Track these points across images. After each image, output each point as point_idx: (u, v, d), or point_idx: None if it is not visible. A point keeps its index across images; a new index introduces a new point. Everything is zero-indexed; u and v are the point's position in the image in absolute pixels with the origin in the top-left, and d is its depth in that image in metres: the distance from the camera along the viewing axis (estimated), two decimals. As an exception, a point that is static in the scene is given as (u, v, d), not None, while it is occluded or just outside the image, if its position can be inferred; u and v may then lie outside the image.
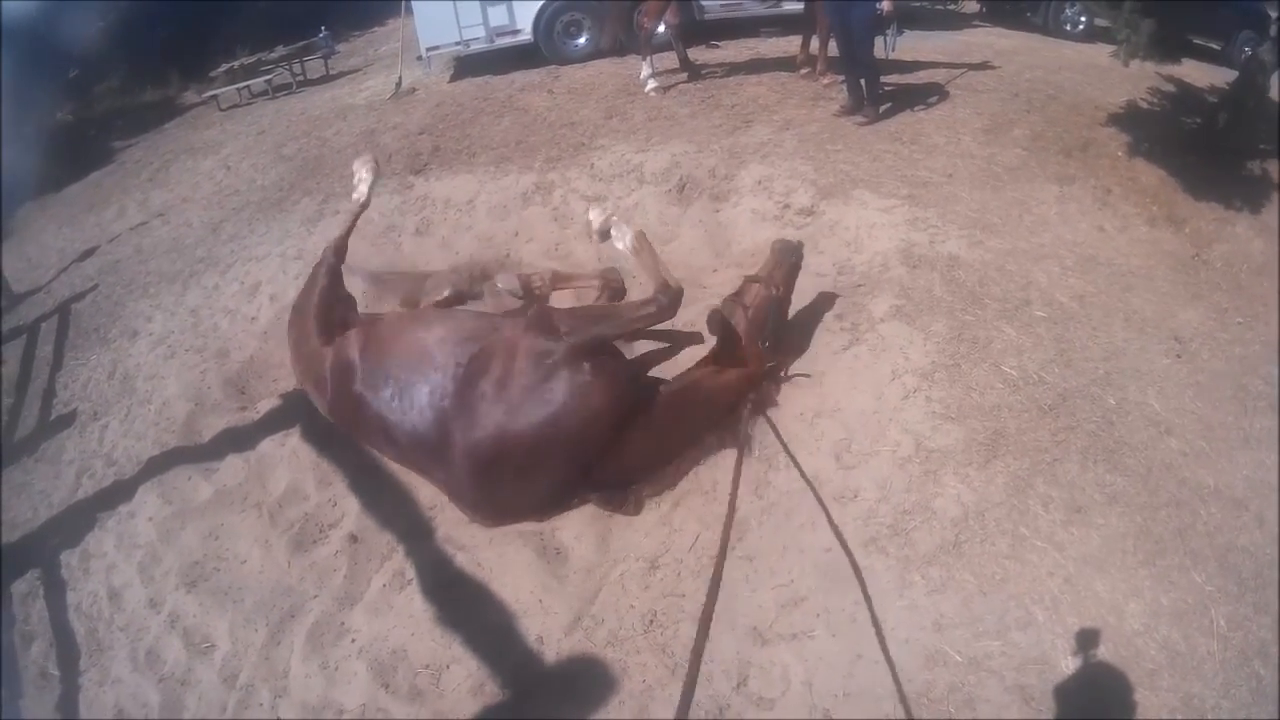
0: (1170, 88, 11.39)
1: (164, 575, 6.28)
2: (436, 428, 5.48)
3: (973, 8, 17.75)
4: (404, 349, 5.74)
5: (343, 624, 5.59)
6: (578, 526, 5.82)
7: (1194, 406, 6.16)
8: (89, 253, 12.01)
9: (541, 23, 14.34)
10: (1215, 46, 13.80)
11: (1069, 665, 4.71)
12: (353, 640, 5.48)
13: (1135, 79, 11.02)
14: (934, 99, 10.86)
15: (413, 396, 5.57)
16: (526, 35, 14.37)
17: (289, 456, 6.85)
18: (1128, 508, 5.40)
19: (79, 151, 17.69)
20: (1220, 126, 9.77)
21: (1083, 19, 15.06)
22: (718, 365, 6.07)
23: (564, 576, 5.58)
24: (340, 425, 6.14)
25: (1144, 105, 10.83)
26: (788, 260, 6.29)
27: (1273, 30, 9.87)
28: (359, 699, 5.19)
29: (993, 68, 12.04)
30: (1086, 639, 4.79)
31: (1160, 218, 8.41)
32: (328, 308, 6.26)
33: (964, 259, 7.29)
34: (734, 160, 9.38)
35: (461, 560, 5.75)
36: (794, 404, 6.26)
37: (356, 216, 6.84)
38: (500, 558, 5.70)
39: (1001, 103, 10.65)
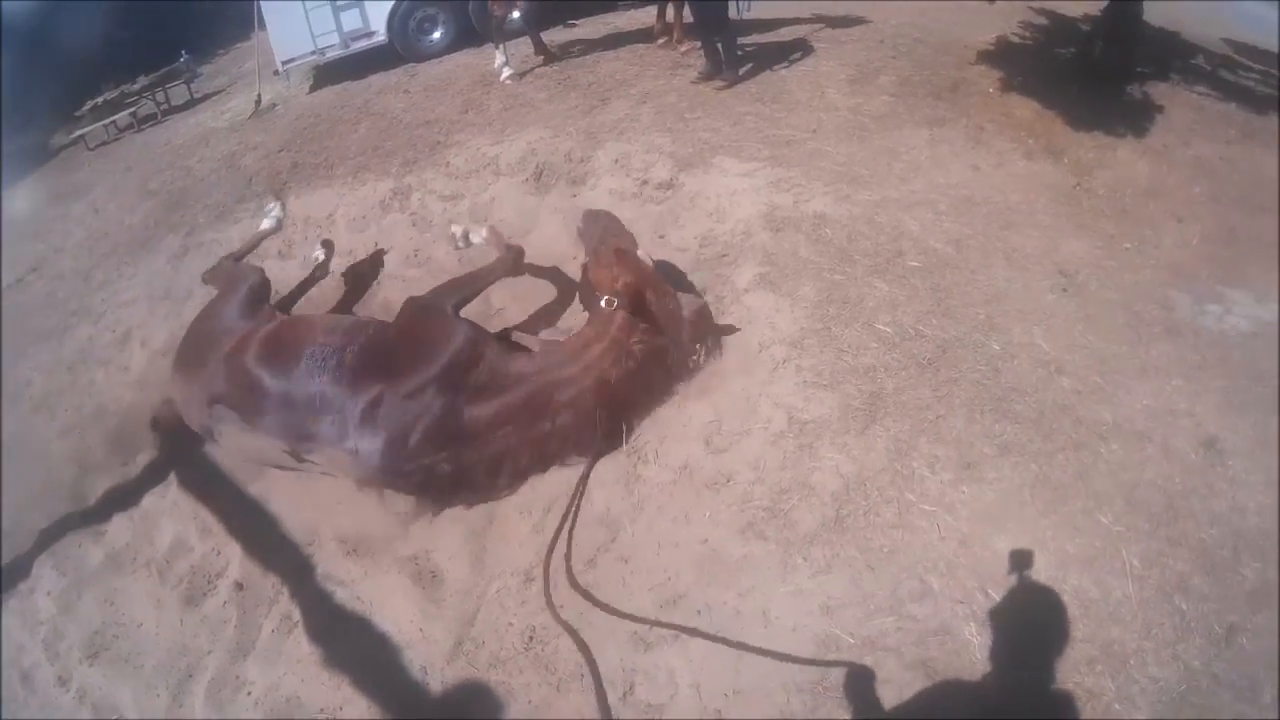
0: (1042, 20, 11.13)
1: (68, 649, 5.98)
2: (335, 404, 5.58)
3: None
4: (299, 342, 5.89)
5: (238, 677, 5.33)
6: (452, 546, 5.49)
7: (1085, 341, 5.86)
8: None
9: (395, 22, 13.87)
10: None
11: (973, 632, 4.44)
12: (248, 693, 5.24)
13: (1006, 14, 10.79)
14: (797, 55, 10.51)
15: (309, 381, 5.70)
16: (381, 37, 13.86)
17: (170, 508, 6.53)
18: (1021, 456, 5.15)
19: None
20: (1096, 55, 9.52)
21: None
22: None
23: (441, 600, 5.29)
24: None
25: (1015, 40, 10.55)
26: (602, 224, 6.15)
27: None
28: (259, 750, 4.98)
29: (858, 18, 11.66)
30: (990, 601, 4.57)
31: (1038, 150, 8.07)
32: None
33: (831, 216, 6.96)
34: (590, 141, 8.96)
35: (341, 596, 5.47)
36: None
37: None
38: (378, 589, 5.42)
39: (867, 51, 10.33)
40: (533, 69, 11.73)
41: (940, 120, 8.46)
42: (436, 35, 14.18)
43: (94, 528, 6.73)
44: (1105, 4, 9.72)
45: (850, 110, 8.76)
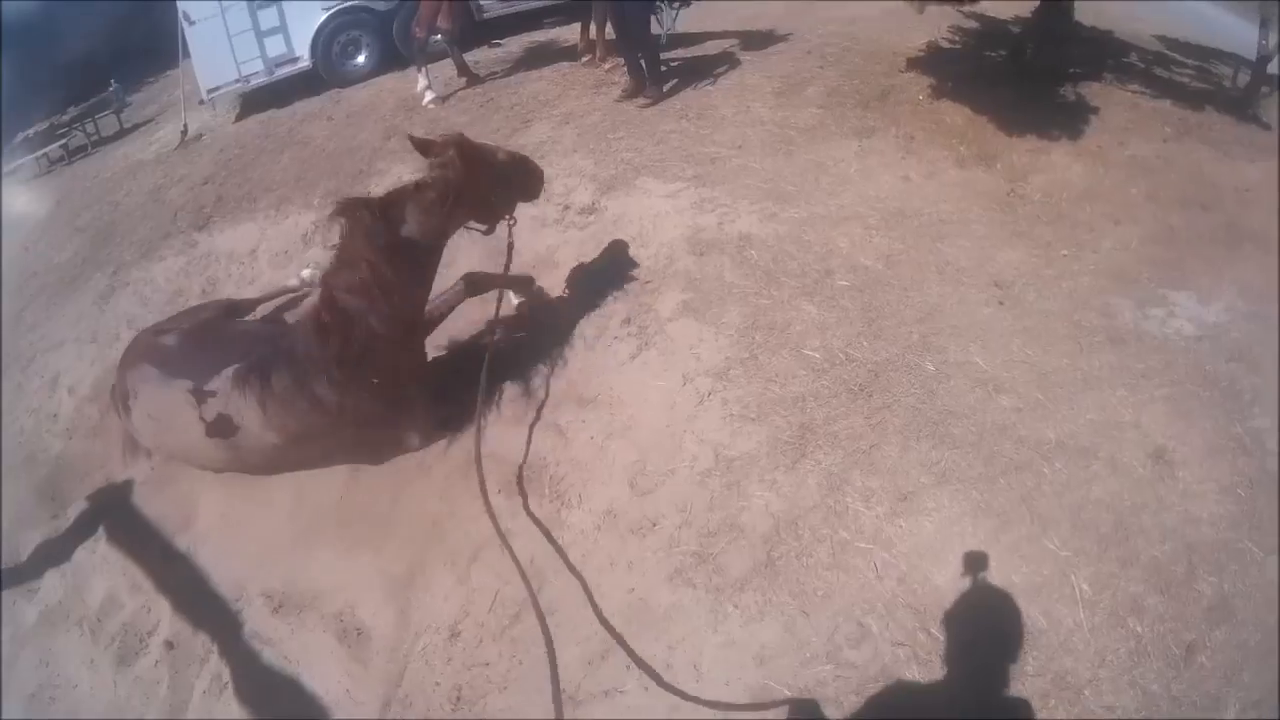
0: (973, 24, 10.91)
1: (9, 712, 5.92)
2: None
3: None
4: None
5: None
6: (375, 602, 5.29)
7: (1024, 355, 5.63)
8: None
9: (319, 46, 13.67)
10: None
11: (916, 674, 4.24)
12: None
13: (935, 20, 10.48)
14: (723, 69, 10.31)
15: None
16: (305, 62, 13.69)
17: (101, 563, 6.40)
18: (961, 483, 4.94)
19: None
20: (1027, 56, 9.34)
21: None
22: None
23: (367, 660, 5.09)
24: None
25: (946, 45, 10.33)
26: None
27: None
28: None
29: (785, 30, 11.48)
30: (933, 640, 4.38)
31: (970, 157, 7.84)
32: None
33: (757, 236, 6.75)
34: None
35: (269, 656, 5.29)
36: (581, 429, 5.69)
37: None
38: (304, 648, 5.24)
39: (794, 62, 10.13)
40: (456, 91, 11.56)
41: (869, 130, 8.25)
42: (360, 59, 14.07)
43: (27, 584, 6.62)
44: (1036, 4, 9.55)
45: (777, 124, 8.54)
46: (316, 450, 5.70)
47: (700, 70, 10.36)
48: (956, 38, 10.55)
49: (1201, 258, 6.49)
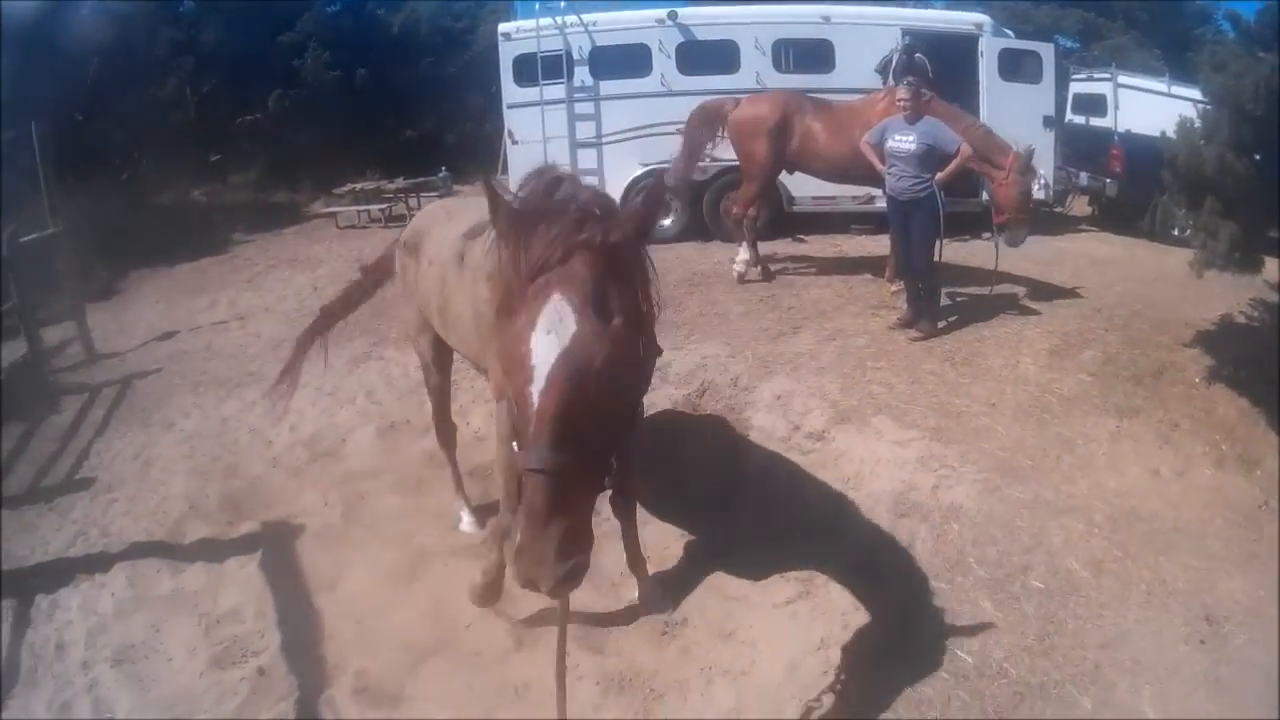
0: (1276, 297, 9.97)
1: (103, 646, 6.39)
2: None
3: (1083, 210, 16.97)
4: None
5: None
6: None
7: (1204, 710, 5.00)
8: (170, 335, 13.00)
9: (628, 200, 14.20)
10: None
11: None
12: None
13: (1239, 289, 9.77)
14: (1007, 314, 10.15)
15: None
16: (615, 210, 14.14)
17: (244, 580, 6.90)
18: None
19: (201, 233, 19.35)
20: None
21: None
22: None
23: None
24: None
25: (1240, 320, 9.71)
26: None
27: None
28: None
29: (1075, 287, 11.25)
30: None
31: (1231, 458, 7.29)
32: None
33: (967, 510, 6.48)
34: (762, 370, 8.90)
35: None
36: (700, 656, 5.55)
37: None
38: None
39: (1079, 320, 9.84)
40: (755, 280, 11.90)
41: (1133, 410, 7.82)
42: (667, 222, 14.72)
43: (176, 563, 7.21)
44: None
45: (1039, 387, 8.26)
46: None
47: (984, 311, 10.23)
48: (1254, 312, 9.87)
49: None
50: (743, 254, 12.01)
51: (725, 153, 12.89)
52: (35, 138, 13.38)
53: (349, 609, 6.50)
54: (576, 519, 2.96)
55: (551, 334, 2.93)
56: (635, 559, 5.95)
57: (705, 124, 12.65)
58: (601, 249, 3.07)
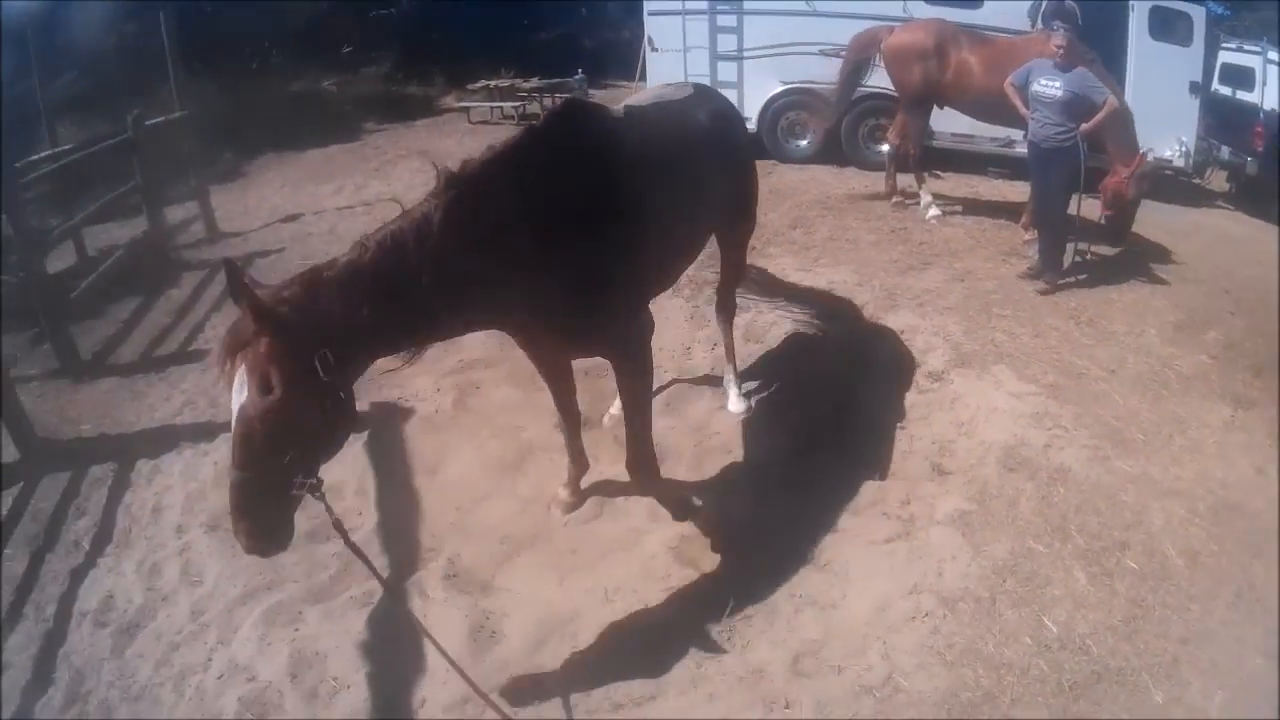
0: None
1: (199, 512, 6.82)
2: None
3: (1221, 186, 16.52)
4: None
5: (299, 613, 5.73)
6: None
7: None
8: (293, 218, 13.45)
9: (766, 117, 14.48)
10: None
11: None
12: (296, 629, 5.60)
13: None
14: (1135, 279, 9.95)
15: None
16: (751, 125, 14.15)
17: (347, 458, 7.01)
18: None
19: (331, 122, 19.63)
20: None
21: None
22: None
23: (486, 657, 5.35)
24: None
25: (1373, 313, 9.33)
26: None
27: None
28: (269, 676, 5.29)
29: (1208, 260, 11.00)
30: None
31: (1343, 471, 7.12)
32: None
33: (1075, 475, 6.43)
34: (888, 301, 8.93)
35: (415, 608, 5.63)
36: (792, 582, 5.69)
37: None
38: (441, 619, 5.51)
39: (1205, 297, 9.64)
40: (953, 211, 12.00)
41: (1249, 401, 7.63)
42: (803, 142, 14.85)
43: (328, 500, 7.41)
44: None
45: (1161, 360, 8.11)
46: None
47: (1114, 273, 10.05)
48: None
49: None
50: (924, 197, 12.02)
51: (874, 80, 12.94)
52: (164, 25, 13.72)
53: (449, 495, 6.74)
54: (256, 510, 3.97)
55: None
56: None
57: (862, 49, 12.58)
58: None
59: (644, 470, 5.91)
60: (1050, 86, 9.34)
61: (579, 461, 6.49)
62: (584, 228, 4.84)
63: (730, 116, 7.19)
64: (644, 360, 5.65)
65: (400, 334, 4.33)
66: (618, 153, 5.28)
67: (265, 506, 4.01)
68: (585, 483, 6.57)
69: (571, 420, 6.34)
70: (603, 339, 5.40)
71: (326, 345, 3.85)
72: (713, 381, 7.88)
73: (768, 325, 8.68)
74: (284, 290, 3.90)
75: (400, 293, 4.18)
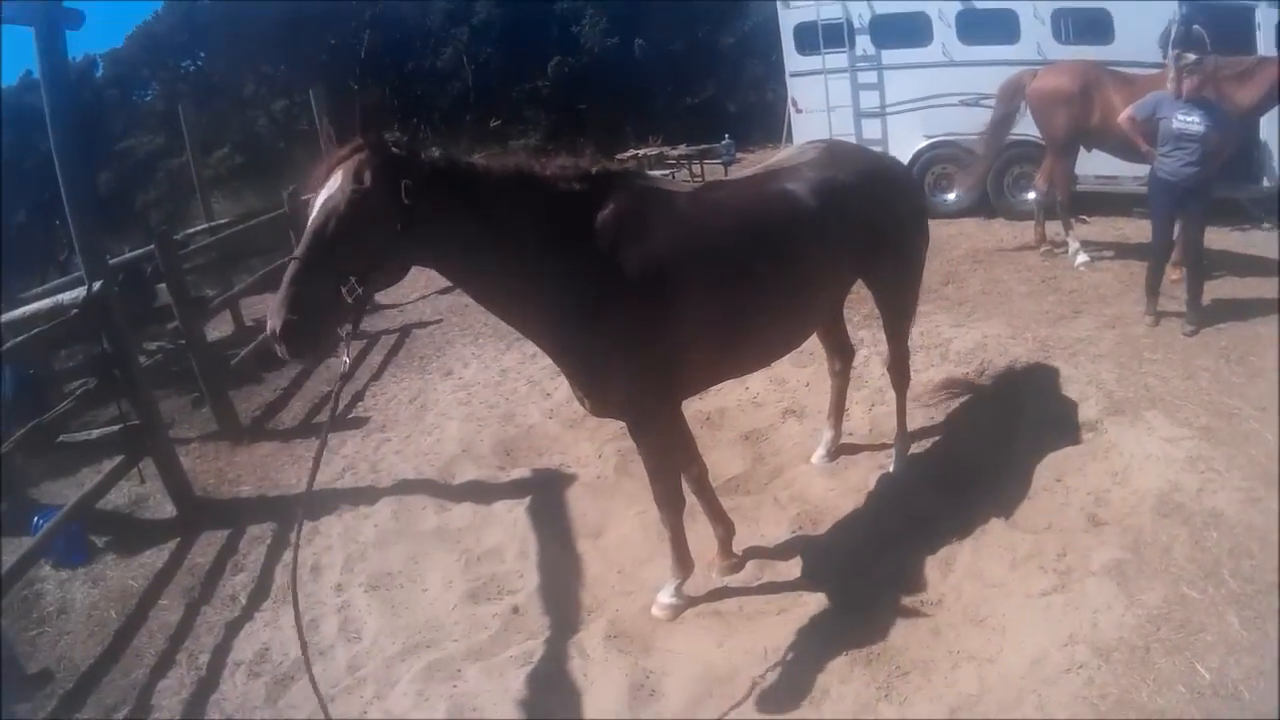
0: None
1: (359, 572, 7.24)
2: None
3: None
4: None
5: (459, 670, 5.99)
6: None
7: None
8: (449, 289, 13.91)
9: (914, 168, 14.61)
10: None
11: None
12: (455, 686, 5.85)
13: None
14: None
15: None
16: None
17: (509, 522, 7.59)
18: None
19: None
20: None
21: None
22: None
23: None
24: None
25: None
26: None
27: None
28: (426, 730, 5.56)
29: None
30: None
31: None
32: None
33: (1228, 518, 6.48)
34: (1041, 352, 9.16)
35: (575, 667, 5.92)
36: (950, 638, 5.84)
37: None
38: (601, 677, 5.80)
39: (1356, 325, 9.48)
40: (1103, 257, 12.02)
41: None
42: (951, 196, 14.93)
43: (442, 501, 8.09)
44: None
45: (1312, 394, 8.09)
46: None
47: (1260, 308, 9.98)
48: None
49: None
50: (1072, 244, 12.18)
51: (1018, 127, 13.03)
52: (314, 103, 14.72)
53: (611, 558, 7.11)
54: (301, 301, 4.22)
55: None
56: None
57: (1010, 98, 12.72)
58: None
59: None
60: (1191, 122, 9.24)
61: (723, 522, 6.61)
62: (589, 304, 5.17)
63: (874, 175, 6.61)
64: (658, 461, 5.91)
65: (450, 244, 4.90)
66: (641, 234, 5.39)
67: (311, 301, 4.25)
68: (742, 545, 6.85)
69: (693, 482, 6.41)
70: (619, 413, 5.86)
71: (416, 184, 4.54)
72: (872, 444, 8.16)
73: (921, 381, 8.90)
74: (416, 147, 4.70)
75: (479, 212, 4.90)
